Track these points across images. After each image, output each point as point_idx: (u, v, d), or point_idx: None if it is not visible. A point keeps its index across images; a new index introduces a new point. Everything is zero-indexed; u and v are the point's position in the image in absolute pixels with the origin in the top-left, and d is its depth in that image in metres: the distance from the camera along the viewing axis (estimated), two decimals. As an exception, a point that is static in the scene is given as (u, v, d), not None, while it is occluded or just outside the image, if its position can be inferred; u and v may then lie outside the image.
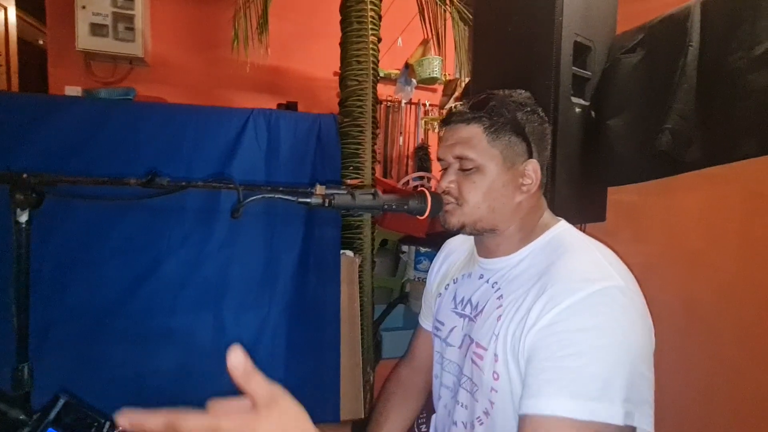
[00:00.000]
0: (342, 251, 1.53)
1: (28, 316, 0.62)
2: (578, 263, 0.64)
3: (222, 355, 1.28)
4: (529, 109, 0.73)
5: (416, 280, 2.15)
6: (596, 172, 1.17)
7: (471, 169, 0.71)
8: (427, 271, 2.17)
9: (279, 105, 2.56)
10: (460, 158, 0.72)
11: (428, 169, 3.00)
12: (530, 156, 0.72)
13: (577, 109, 1.16)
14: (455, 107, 0.73)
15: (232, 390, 1.31)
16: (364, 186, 1.66)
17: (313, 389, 1.36)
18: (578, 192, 1.17)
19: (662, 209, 1.32)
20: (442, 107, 2.44)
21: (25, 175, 0.60)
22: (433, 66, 2.34)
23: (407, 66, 2.53)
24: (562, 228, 0.74)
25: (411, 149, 3.16)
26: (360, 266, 1.62)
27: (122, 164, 1.27)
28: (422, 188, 0.71)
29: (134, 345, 1.19)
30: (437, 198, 0.71)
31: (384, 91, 2.03)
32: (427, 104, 3.15)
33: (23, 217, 0.60)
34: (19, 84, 3.13)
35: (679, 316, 1.18)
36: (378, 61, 1.74)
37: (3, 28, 3.04)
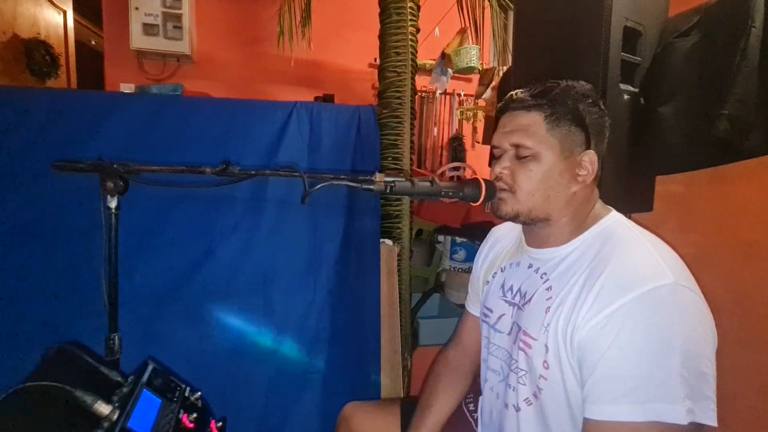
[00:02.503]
0: (381, 240, 1.58)
1: (117, 291, 0.70)
2: (629, 259, 0.64)
3: (271, 336, 1.36)
4: (590, 100, 0.73)
5: (452, 270, 2.16)
6: (645, 160, 1.14)
7: (527, 156, 0.71)
8: (463, 261, 2.18)
9: (316, 98, 2.62)
10: (517, 146, 0.72)
11: (463, 160, 2.98)
12: (588, 147, 0.72)
13: (626, 97, 1.14)
14: (516, 94, 0.74)
15: (280, 369, 1.39)
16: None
17: (356, 371, 1.42)
18: (625, 181, 1.15)
19: (713, 199, 1.27)
20: (478, 97, 2.42)
21: (115, 165, 0.67)
22: (471, 55, 2.32)
23: (444, 56, 2.52)
24: (614, 219, 0.73)
25: (445, 140, 3.15)
26: (398, 255, 1.66)
27: (175, 156, 1.35)
28: (476, 176, 0.72)
29: (192, 325, 1.29)
30: (491, 186, 0.73)
31: (419, 81, 2.04)
32: (462, 94, 3.12)
33: (113, 203, 0.68)
34: (77, 82, 3.36)
35: (731, 310, 1.14)
36: (416, 51, 1.75)
37: (63, 30, 3.26)
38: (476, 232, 2.08)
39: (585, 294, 0.64)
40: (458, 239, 2.15)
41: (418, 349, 1.84)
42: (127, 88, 2.35)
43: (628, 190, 1.18)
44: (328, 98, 2.65)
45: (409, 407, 0.98)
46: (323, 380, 1.37)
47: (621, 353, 0.58)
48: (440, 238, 2.26)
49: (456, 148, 3.00)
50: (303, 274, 1.40)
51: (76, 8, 3.39)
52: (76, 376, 0.59)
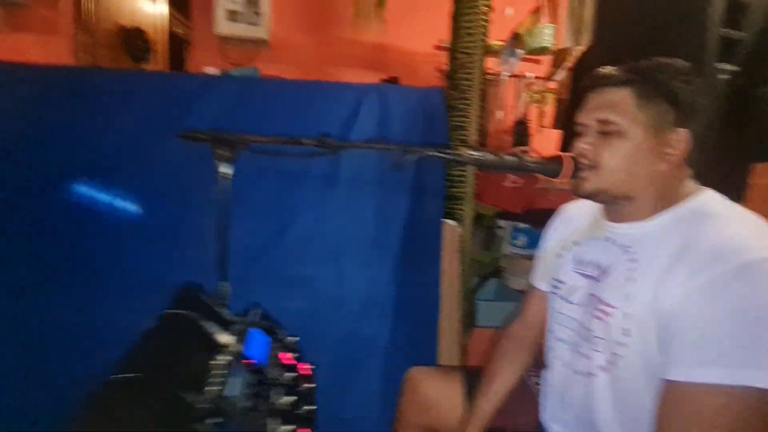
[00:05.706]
0: (444, 220, 1.62)
1: (229, 246, 0.82)
2: (728, 232, 0.62)
3: (341, 303, 1.47)
4: (685, 77, 0.70)
5: (512, 255, 2.15)
6: (741, 147, 1.07)
7: (612, 132, 0.70)
8: (524, 248, 2.15)
9: (382, 80, 2.68)
10: (602, 121, 0.71)
11: (527, 144, 2.90)
12: (679, 125, 0.70)
13: (723, 76, 1.06)
14: (604, 70, 0.73)
15: (349, 331, 1.50)
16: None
17: (415, 343, 1.50)
18: (714, 169, 1.08)
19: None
20: (550, 79, 2.32)
21: (227, 135, 0.77)
22: (545, 35, 2.23)
23: (515, 36, 2.44)
24: (709, 196, 0.71)
25: (510, 123, 3.07)
26: (460, 236, 1.69)
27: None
28: (560, 153, 0.74)
29: (273, 287, 1.42)
30: (574, 162, 0.73)
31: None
32: (532, 76, 3.00)
33: (227, 169, 0.78)
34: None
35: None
36: (488, 33, 1.73)
37: (157, 19, 3.59)
38: (539, 219, 2.03)
39: (677, 263, 0.63)
40: (521, 225, 2.13)
41: (475, 329, 1.87)
42: (210, 71, 2.56)
43: (717, 179, 1.10)
44: (393, 81, 2.69)
45: (470, 376, 1.03)
46: (384, 348, 1.46)
47: (714, 320, 0.58)
48: (501, 223, 2.25)
49: (520, 132, 2.91)
50: (370, 248, 1.48)
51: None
52: (201, 310, 0.71)
